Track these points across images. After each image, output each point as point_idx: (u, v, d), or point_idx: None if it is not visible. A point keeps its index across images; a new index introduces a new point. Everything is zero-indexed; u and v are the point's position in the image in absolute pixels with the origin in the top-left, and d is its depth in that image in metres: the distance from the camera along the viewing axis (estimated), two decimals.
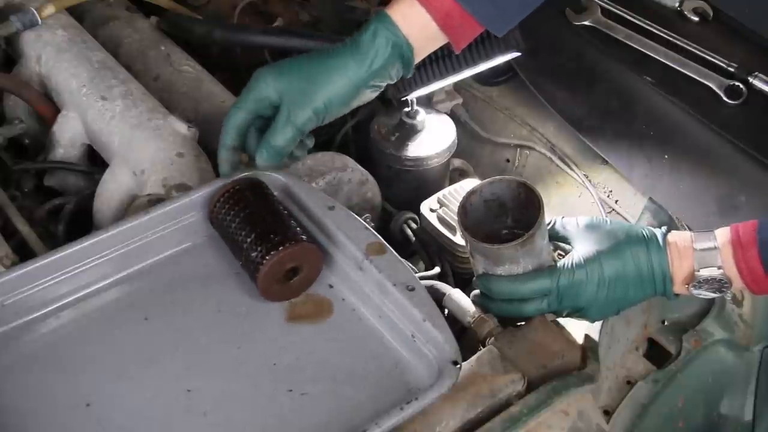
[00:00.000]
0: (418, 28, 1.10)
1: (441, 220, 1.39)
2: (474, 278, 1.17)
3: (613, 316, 1.16)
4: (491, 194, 1.14)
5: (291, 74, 1.12)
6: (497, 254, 1.10)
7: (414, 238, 1.40)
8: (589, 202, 1.52)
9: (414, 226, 1.43)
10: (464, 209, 1.13)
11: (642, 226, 1.15)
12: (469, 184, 1.44)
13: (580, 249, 1.11)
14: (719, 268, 1.07)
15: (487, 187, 1.14)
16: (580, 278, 1.09)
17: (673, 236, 1.11)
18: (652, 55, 1.45)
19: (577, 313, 1.14)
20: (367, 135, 1.55)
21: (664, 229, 1.12)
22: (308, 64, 1.12)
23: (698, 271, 1.08)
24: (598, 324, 1.20)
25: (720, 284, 1.07)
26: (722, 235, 1.08)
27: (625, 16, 1.53)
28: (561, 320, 1.24)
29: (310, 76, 1.11)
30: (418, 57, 1.13)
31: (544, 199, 1.10)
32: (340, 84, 1.11)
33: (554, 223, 1.16)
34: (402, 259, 1.12)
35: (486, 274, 1.13)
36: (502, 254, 1.10)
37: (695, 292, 1.09)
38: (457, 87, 1.67)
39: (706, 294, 1.09)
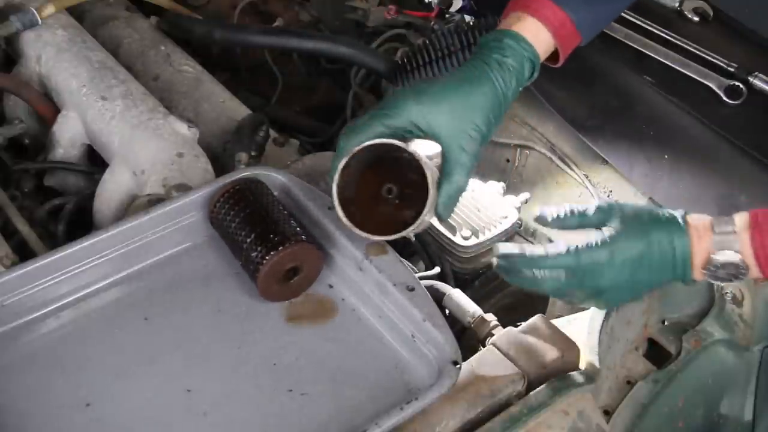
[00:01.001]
0: (533, 34, 1.14)
1: None
2: (496, 254, 1.09)
3: (629, 302, 1.11)
4: (369, 156, 1.08)
5: (442, 103, 1.08)
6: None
7: (414, 238, 1.40)
8: (589, 202, 1.52)
9: None
10: (341, 188, 1.06)
11: (661, 208, 1.10)
12: (470, 184, 1.43)
13: (599, 231, 1.06)
14: (737, 252, 1.03)
15: (365, 152, 1.06)
16: (602, 258, 1.04)
17: (693, 219, 1.06)
18: (652, 55, 1.45)
19: (595, 297, 1.08)
20: None
21: (682, 211, 1.07)
22: (456, 89, 1.09)
23: (715, 254, 1.04)
24: (598, 324, 1.20)
25: (737, 269, 1.04)
26: (741, 219, 1.04)
27: (625, 16, 1.53)
28: (560, 320, 1.24)
29: (466, 102, 1.08)
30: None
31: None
32: (497, 103, 1.11)
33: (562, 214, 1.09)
34: (402, 259, 1.12)
35: (507, 255, 1.06)
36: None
37: (710, 276, 1.05)
38: None
39: (722, 280, 1.05)
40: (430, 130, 1.08)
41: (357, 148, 1.05)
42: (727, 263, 1.04)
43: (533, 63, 1.14)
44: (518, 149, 1.64)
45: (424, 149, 1.09)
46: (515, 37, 1.12)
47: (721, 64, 1.42)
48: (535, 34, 1.14)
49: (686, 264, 1.06)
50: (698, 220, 1.06)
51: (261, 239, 1.09)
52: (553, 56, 1.20)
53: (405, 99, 1.08)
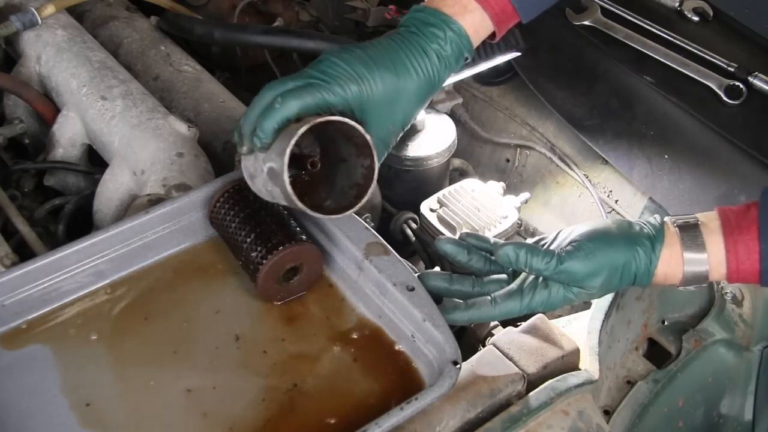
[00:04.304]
0: (475, 28, 1.12)
1: (441, 220, 1.39)
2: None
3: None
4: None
5: (381, 95, 1.07)
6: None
7: (414, 238, 1.40)
8: (589, 202, 1.53)
9: (414, 226, 1.43)
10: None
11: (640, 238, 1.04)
12: (470, 184, 1.44)
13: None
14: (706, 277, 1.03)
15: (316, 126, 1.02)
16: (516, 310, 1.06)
17: (665, 257, 1.03)
18: (652, 55, 1.46)
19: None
20: None
21: (659, 249, 1.03)
22: (395, 78, 1.07)
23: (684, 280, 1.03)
24: (598, 324, 1.20)
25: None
26: (711, 227, 1.02)
27: (625, 16, 1.53)
28: (560, 320, 1.24)
29: (402, 97, 1.08)
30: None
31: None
32: (428, 95, 1.11)
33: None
34: (402, 259, 1.12)
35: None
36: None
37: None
38: (457, 87, 1.67)
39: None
40: (360, 115, 1.07)
41: (314, 122, 0.99)
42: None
43: (466, 57, 1.13)
44: (518, 149, 1.65)
45: None
46: (459, 32, 1.10)
47: (721, 64, 1.42)
48: (477, 29, 1.12)
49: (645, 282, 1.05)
50: (670, 256, 1.02)
51: (261, 239, 1.09)
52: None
53: (348, 80, 1.05)
